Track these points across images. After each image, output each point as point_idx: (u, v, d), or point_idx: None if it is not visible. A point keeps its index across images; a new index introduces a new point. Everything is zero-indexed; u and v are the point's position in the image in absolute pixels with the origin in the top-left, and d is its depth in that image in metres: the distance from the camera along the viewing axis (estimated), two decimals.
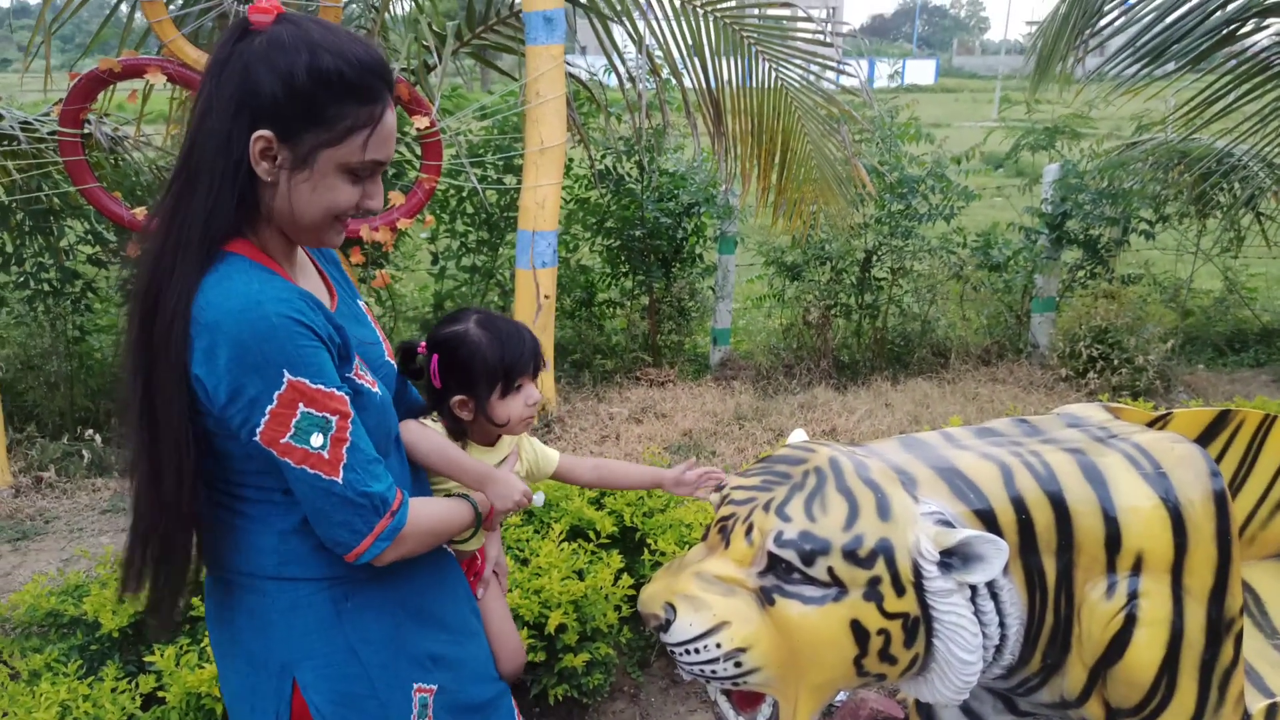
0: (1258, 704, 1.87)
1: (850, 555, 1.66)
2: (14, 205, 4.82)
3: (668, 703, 2.93)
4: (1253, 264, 7.31)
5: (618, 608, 2.84)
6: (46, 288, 5.18)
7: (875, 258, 6.10)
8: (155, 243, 1.38)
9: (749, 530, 1.73)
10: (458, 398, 1.76)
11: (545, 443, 4.60)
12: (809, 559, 1.66)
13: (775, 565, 1.69)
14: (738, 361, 6.24)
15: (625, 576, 2.91)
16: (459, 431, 1.83)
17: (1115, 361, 5.55)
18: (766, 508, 1.74)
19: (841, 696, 2.96)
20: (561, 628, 2.67)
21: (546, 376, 4.64)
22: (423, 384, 1.83)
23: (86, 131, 4.23)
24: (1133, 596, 1.75)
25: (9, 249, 5.00)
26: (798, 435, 2.00)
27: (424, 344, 1.78)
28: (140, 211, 3.94)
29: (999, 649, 1.77)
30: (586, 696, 2.79)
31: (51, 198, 4.92)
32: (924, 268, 6.15)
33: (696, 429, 4.76)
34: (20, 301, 5.28)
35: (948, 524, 1.70)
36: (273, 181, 1.37)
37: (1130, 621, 1.75)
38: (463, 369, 1.74)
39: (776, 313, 6.56)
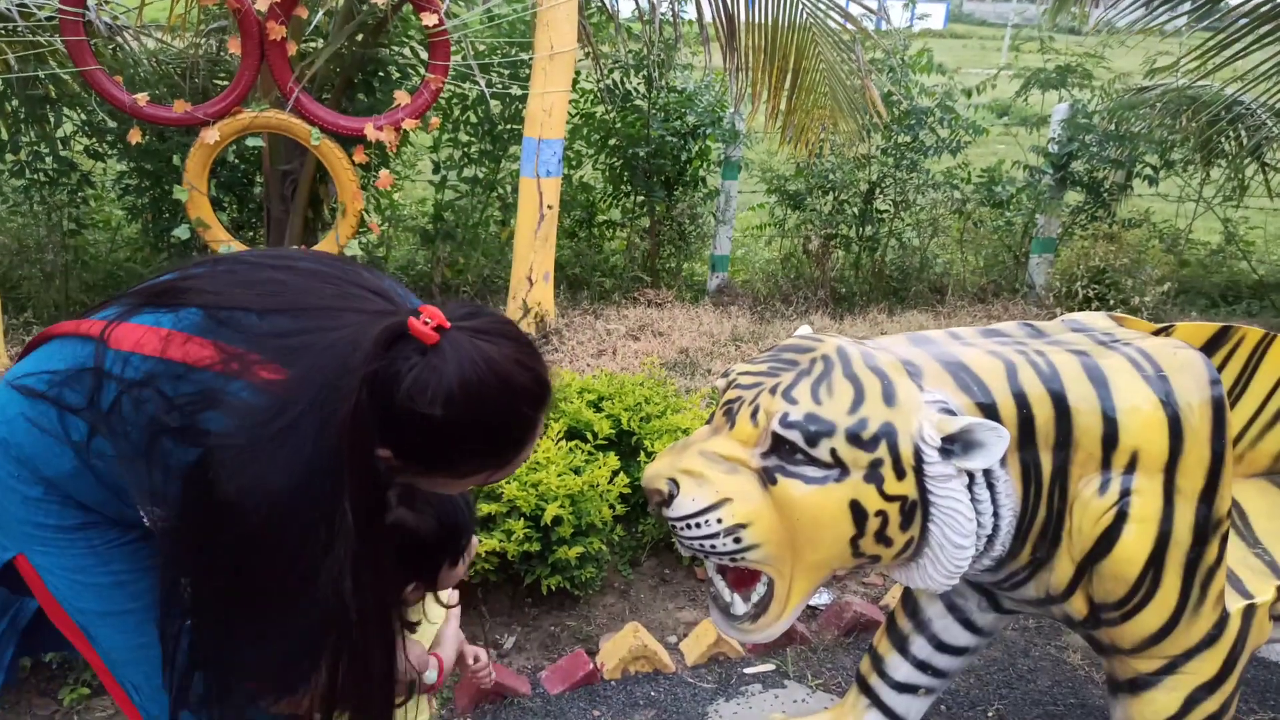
0: (1236, 604, 1.92)
1: (854, 438, 1.69)
2: (9, 91, 4.73)
3: (656, 599, 2.99)
4: (1253, 217, 7.31)
5: (612, 506, 2.88)
6: (42, 177, 5.11)
7: (879, 190, 6.08)
8: None
9: (754, 412, 1.75)
10: (410, 587, 1.66)
11: (544, 355, 4.64)
12: (813, 440, 1.69)
13: (779, 446, 1.72)
14: (735, 289, 6.24)
15: (621, 476, 2.95)
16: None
17: (1111, 303, 5.58)
18: (773, 391, 1.76)
19: (826, 600, 3.03)
20: (557, 520, 2.71)
21: (546, 288, 4.64)
22: None
23: (87, 18, 4.14)
24: (1125, 494, 1.79)
25: (4, 136, 4.91)
26: (804, 330, 2.02)
27: None
28: (142, 98, 3.88)
29: (991, 539, 1.81)
30: (578, 589, 2.85)
31: (48, 84, 4.83)
32: (926, 201, 6.13)
33: (693, 348, 4.78)
34: (16, 191, 5.22)
35: (951, 413, 1.73)
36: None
37: (1121, 518, 1.79)
38: (410, 559, 1.60)
39: (776, 242, 6.55)
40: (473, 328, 1.23)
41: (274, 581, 1.20)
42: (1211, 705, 1.92)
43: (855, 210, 6.10)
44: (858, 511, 1.70)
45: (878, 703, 2.31)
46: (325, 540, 1.15)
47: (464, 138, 5.52)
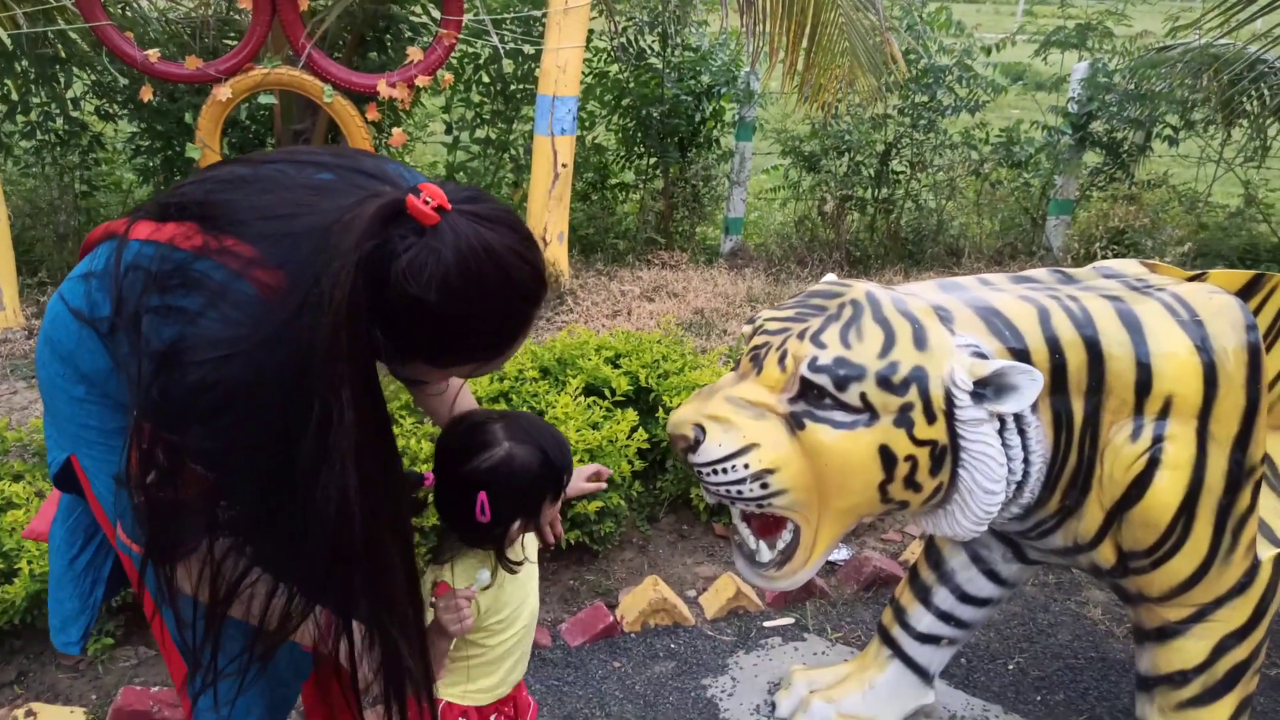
0: (1268, 553, 1.91)
1: (884, 381, 1.66)
2: (18, 51, 4.69)
3: (675, 554, 2.99)
4: (1273, 179, 7.21)
5: (630, 461, 2.87)
6: (53, 138, 5.09)
7: (895, 150, 6.00)
8: None
9: (782, 357, 1.73)
10: (516, 524, 1.61)
11: (557, 316, 4.63)
12: (842, 384, 1.66)
13: (807, 391, 1.70)
14: (749, 251, 6.19)
15: (640, 431, 2.94)
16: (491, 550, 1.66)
17: None
18: (801, 336, 1.73)
19: (845, 555, 3.02)
20: None
21: (560, 248, 4.61)
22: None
23: None
24: (1158, 440, 1.77)
25: (14, 96, 4.88)
26: (830, 277, 1.99)
27: (429, 475, 1.60)
28: (154, 54, 3.84)
29: (1020, 486, 1.79)
30: (597, 543, 2.85)
31: (57, 44, 4.79)
32: (943, 162, 6.06)
33: (709, 308, 4.75)
34: (27, 152, 5.20)
35: (983, 357, 1.70)
36: None
37: (1153, 464, 1.77)
38: (519, 494, 1.59)
39: (791, 204, 6.49)
40: (474, 212, 1.15)
41: (266, 481, 1.15)
42: (1240, 653, 1.91)
43: (871, 171, 6.04)
44: (887, 456, 1.68)
45: (900, 654, 2.30)
46: (323, 436, 1.09)
47: (476, 98, 5.48)
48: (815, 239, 6.19)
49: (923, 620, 2.28)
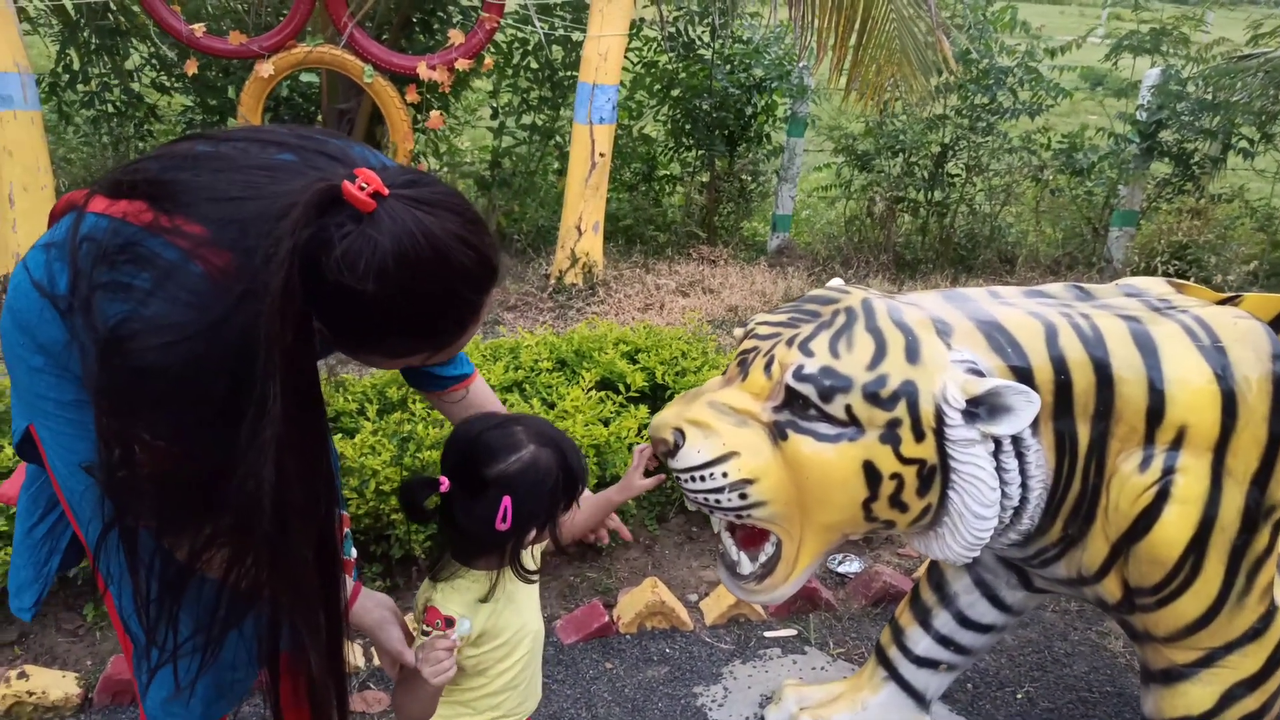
0: None
1: (871, 395, 1.59)
2: (81, 20, 4.80)
3: (681, 557, 2.93)
4: None
5: None
6: (110, 109, 5.20)
7: (951, 152, 5.83)
8: None
9: (769, 363, 1.66)
10: (532, 532, 1.51)
11: (588, 308, 4.58)
12: (827, 395, 1.59)
13: (792, 400, 1.63)
14: (796, 250, 6.07)
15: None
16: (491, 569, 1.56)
17: (1191, 280, 5.28)
18: (790, 343, 1.66)
19: (856, 568, 2.93)
20: None
21: (595, 239, 4.56)
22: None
23: None
24: (1168, 471, 1.66)
25: (75, 66, 5.00)
26: (835, 282, 1.91)
27: (445, 480, 1.49)
28: (199, 28, 3.89)
29: (1018, 512, 1.70)
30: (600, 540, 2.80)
31: (119, 16, 4.89)
32: (1001, 166, 5.86)
33: (743, 306, 4.67)
34: (86, 121, 5.32)
35: (979, 374, 1.61)
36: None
37: (1162, 497, 1.66)
38: (542, 499, 1.49)
39: (841, 204, 6.35)
40: (413, 197, 1.11)
41: (193, 463, 1.13)
42: (1251, 704, 1.79)
43: (925, 173, 5.87)
44: (871, 473, 1.60)
45: (895, 676, 2.22)
46: (253, 423, 1.07)
47: (524, 83, 5.45)
48: (864, 240, 6.05)
49: (921, 643, 2.19)
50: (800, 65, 5.67)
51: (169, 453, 1.15)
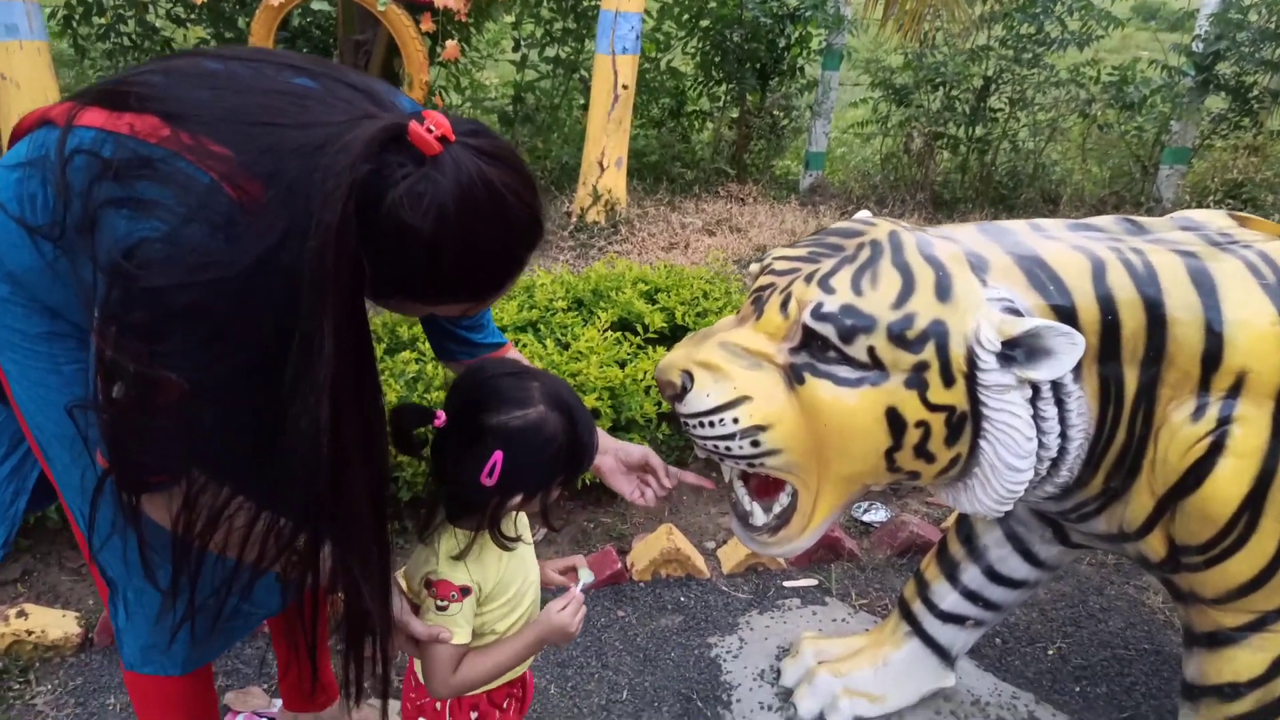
0: None
1: (897, 336, 1.45)
2: None
3: (699, 503, 2.84)
4: None
5: (658, 403, 2.71)
6: (127, 42, 5.09)
7: (994, 85, 5.56)
8: None
9: (785, 301, 1.53)
10: (518, 498, 1.38)
11: (610, 246, 4.43)
12: (848, 335, 1.46)
13: (810, 341, 1.49)
14: (829, 189, 5.87)
15: None
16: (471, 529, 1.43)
17: None
18: (809, 279, 1.53)
19: (881, 517, 2.82)
20: (595, 413, 2.55)
21: (618, 175, 4.40)
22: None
23: None
24: (1224, 422, 1.51)
25: None
26: (863, 215, 1.76)
27: (442, 414, 1.37)
28: None
29: (1056, 463, 1.56)
30: None
31: None
32: (1047, 100, 5.58)
33: (771, 245, 4.50)
34: (101, 55, 5.22)
35: (1016, 313, 1.47)
36: None
37: (1215, 449, 1.51)
38: (537, 465, 1.36)
39: (877, 141, 6.12)
40: (478, 147, 1.08)
41: (245, 408, 1.07)
42: None
43: (966, 108, 5.62)
44: (895, 420, 1.47)
45: (919, 631, 2.11)
46: (301, 365, 1.02)
47: (547, 14, 5.25)
48: (900, 178, 5.83)
49: (947, 598, 2.08)
50: None
51: (195, 398, 1.06)
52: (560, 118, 5.49)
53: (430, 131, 1.04)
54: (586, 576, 1.59)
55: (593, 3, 5.13)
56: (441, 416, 1.37)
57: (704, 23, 5.42)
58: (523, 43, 5.26)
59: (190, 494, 1.12)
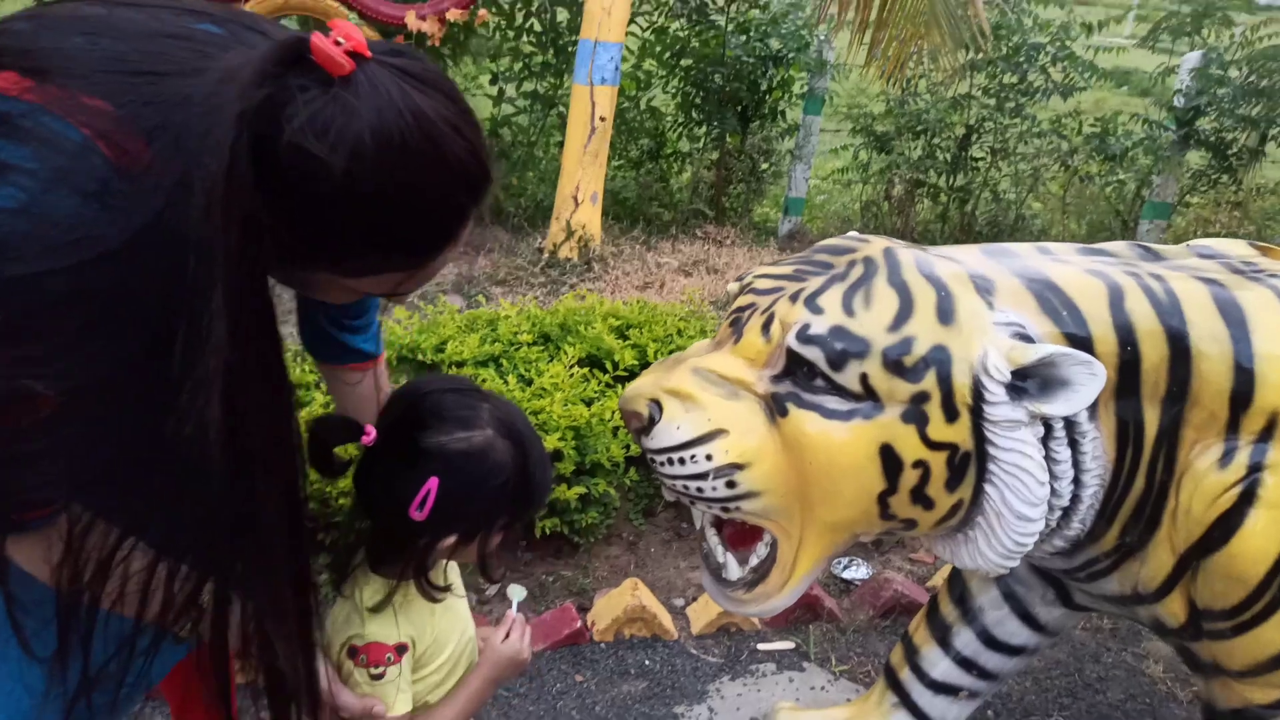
0: None
1: (893, 362, 1.28)
2: None
3: (668, 555, 2.63)
4: None
5: (626, 446, 2.52)
6: None
7: (976, 134, 5.50)
8: None
9: (768, 323, 1.36)
10: (451, 539, 1.20)
11: (582, 284, 4.27)
12: (838, 361, 1.28)
13: (795, 367, 1.32)
14: (808, 235, 5.75)
15: None
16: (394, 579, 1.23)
17: None
18: (794, 298, 1.36)
19: (863, 574, 2.62)
20: (556, 455, 2.36)
21: (593, 210, 4.26)
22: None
23: None
24: (1255, 469, 1.34)
25: None
26: (852, 234, 1.60)
27: (371, 429, 1.18)
28: None
29: (1067, 513, 1.39)
30: (579, 535, 2.50)
31: None
32: (1029, 150, 5.52)
33: None
34: None
35: (1028, 340, 1.30)
36: None
37: (1246, 500, 1.34)
38: (478, 500, 1.19)
39: (856, 188, 6.03)
40: (399, 67, 0.87)
41: (128, 414, 0.86)
42: None
43: (948, 156, 5.55)
44: (890, 459, 1.29)
45: (907, 702, 1.91)
46: (186, 354, 0.82)
47: (526, 47, 5.14)
48: (880, 226, 5.73)
49: (938, 665, 1.88)
50: (821, 39, 5.35)
51: (70, 408, 0.85)
52: (536, 155, 5.36)
53: (339, 44, 0.84)
54: (518, 594, 1.44)
55: (573, 37, 5.03)
56: (371, 432, 1.17)
57: (685, 62, 5.34)
58: (500, 76, 5.14)
59: (74, 536, 0.91)
